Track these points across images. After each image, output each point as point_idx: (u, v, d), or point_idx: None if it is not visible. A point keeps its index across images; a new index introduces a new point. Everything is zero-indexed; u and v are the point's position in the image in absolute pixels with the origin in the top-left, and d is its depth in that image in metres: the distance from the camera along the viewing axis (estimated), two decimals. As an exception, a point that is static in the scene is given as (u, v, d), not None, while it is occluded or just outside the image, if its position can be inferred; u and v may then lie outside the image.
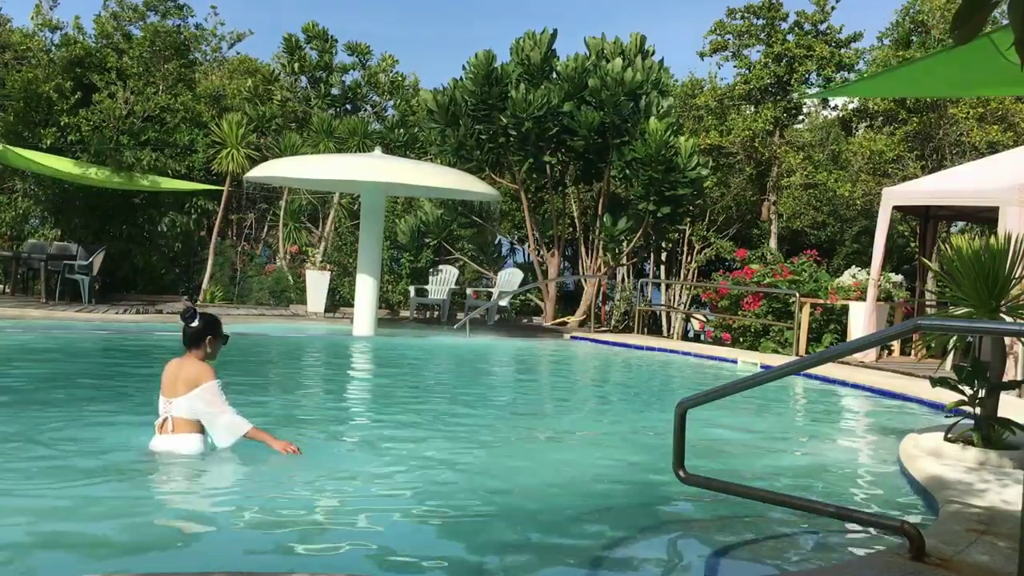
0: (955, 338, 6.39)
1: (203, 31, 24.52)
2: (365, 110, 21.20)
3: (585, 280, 17.27)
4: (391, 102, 21.11)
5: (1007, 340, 7.24)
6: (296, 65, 20.32)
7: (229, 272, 17.57)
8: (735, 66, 22.56)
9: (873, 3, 35.45)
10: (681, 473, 4.03)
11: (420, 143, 19.53)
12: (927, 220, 13.34)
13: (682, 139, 15.51)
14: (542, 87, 15.70)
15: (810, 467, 6.15)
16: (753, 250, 19.75)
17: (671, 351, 12.95)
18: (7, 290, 15.82)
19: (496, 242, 19.47)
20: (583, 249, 17.41)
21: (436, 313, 16.60)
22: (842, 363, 10.89)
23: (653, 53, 16.68)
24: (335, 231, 18.33)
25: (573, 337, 14.48)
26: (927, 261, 11.22)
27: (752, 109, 22.22)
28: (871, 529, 4.24)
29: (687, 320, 21.61)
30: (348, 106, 20.99)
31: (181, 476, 5.00)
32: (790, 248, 21.26)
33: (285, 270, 17.33)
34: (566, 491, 5.15)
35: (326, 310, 15.51)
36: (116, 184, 15.57)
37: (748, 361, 11.54)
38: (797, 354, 12.47)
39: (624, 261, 17.99)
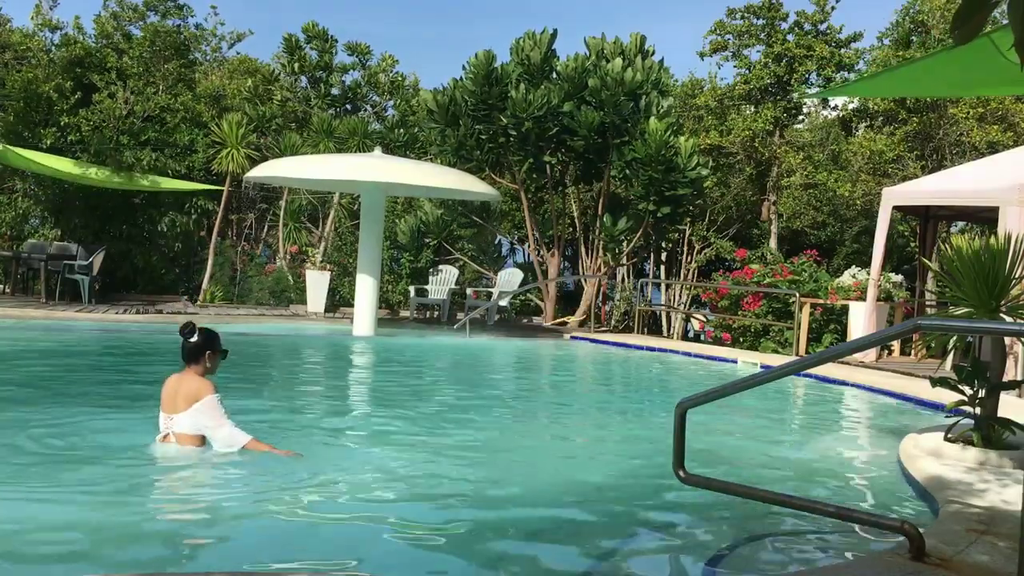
0: (955, 338, 6.39)
1: (203, 31, 24.53)
2: (365, 110, 21.20)
3: (585, 280, 17.27)
4: (391, 102, 21.11)
5: (1007, 340, 7.24)
6: (296, 65, 20.32)
7: (229, 272, 17.57)
8: (735, 66, 22.58)
9: (873, 3, 35.47)
10: (681, 473, 4.03)
11: (420, 143, 19.53)
12: (927, 220, 13.34)
13: (682, 139, 15.51)
14: (542, 87, 15.70)
15: (810, 467, 6.15)
16: (753, 250, 19.75)
17: (671, 351, 12.95)
18: (7, 290, 15.82)
19: (496, 242, 19.47)
20: (583, 249, 17.42)
21: (436, 313, 16.60)
22: (842, 363, 10.89)
23: (653, 53, 16.68)
24: (335, 231, 18.34)
25: (573, 337, 14.48)
26: (927, 261, 11.22)
27: (752, 109, 22.22)
28: (871, 529, 4.24)
29: (687, 320, 21.61)
30: (348, 106, 20.99)
31: (181, 476, 5.00)
32: (790, 248, 21.26)
33: (285, 270, 17.33)
34: (566, 491, 5.15)
35: (326, 310, 15.51)
36: (116, 184, 15.57)
37: (748, 361, 11.54)
38: (797, 354, 12.47)
39: (624, 261, 17.99)
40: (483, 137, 16.29)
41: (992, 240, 5.93)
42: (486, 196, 13.84)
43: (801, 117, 23.25)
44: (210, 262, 16.76)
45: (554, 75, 16.35)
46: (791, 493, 4.67)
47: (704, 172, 15.68)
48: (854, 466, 6.47)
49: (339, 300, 16.40)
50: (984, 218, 13.88)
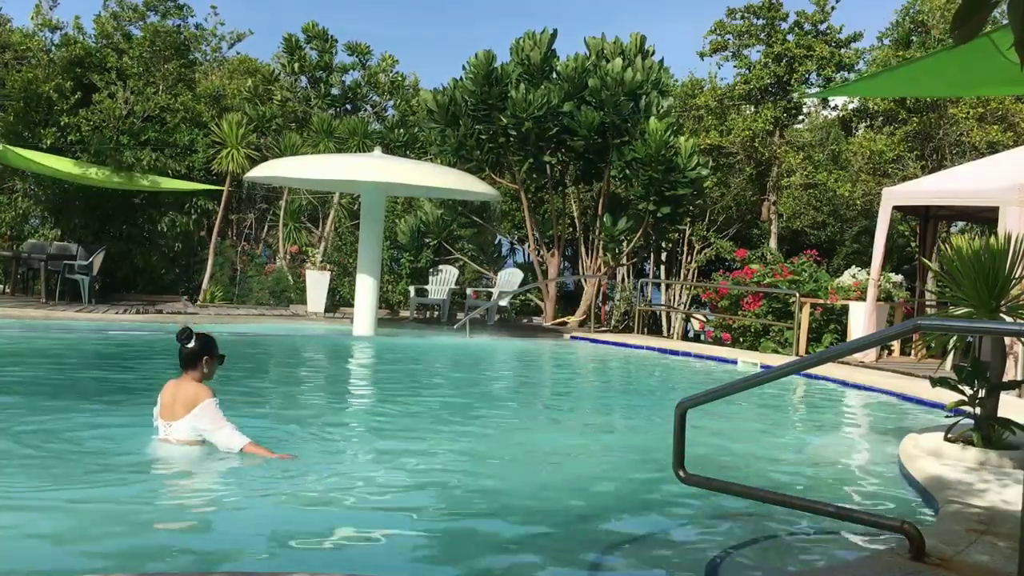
0: (955, 338, 6.38)
1: (203, 31, 24.52)
2: (365, 110, 21.20)
3: (585, 280, 17.27)
4: (391, 102, 21.11)
5: (1007, 340, 7.24)
6: (296, 65, 20.32)
7: (229, 272, 17.57)
8: (735, 66, 22.57)
9: (873, 3, 35.48)
10: (681, 473, 4.03)
11: (420, 143, 19.53)
12: (927, 220, 13.34)
13: (682, 139, 15.51)
14: (542, 87, 15.70)
15: (810, 467, 6.15)
16: (753, 250, 19.75)
17: (671, 351, 12.95)
18: (7, 290, 15.82)
19: (496, 242, 19.46)
20: (583, 249, 17.42)
21: (436, 313, 16.60)
22: (842, 363, 10.89)
23: (653, 53, 16.68)
24: (335, 231, 18.33)
25: (573, 337, 14.48)
26: (927, 261, 11.22)
27: (752, 109, 22.22)
28: (871, 529, 4.24)
29: (687, 320, 21.61)
30: (348, 106, 20.98)
31: (181, 476, 5.00)
32: (790, 248, 21.26)
33: (285, 270, 17.33)
34: (565, 491, 5.15)
35: (326, 310, 15.51)
36: (116, 184, 15.56)
37: (748, 361, 11.54)
38: (797, 354, 12.47)
39: (624, 261, 17.99)
40: (483, 137, 16.29)
41: (992, 240, 5.93)
42: (486, 196, 13.84)
43: (801, 117, 23.26)
44: (210, 262, 16.76)
45: (554, 75, 16.35)
46: (791, 493, 4.67)
47: (704, 172, 15.68)
48: (854, 466, 6.47)
49: (339, 300, 16.40)
50: (984, 218, 13.88)
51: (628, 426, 7.66)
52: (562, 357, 12.82)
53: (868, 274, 12.13)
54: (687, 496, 4.77)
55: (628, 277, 19.81)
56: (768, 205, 22.06)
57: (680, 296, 22.85)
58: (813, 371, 9.96)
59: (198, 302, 16.29)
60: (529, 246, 17.77)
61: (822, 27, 21.77)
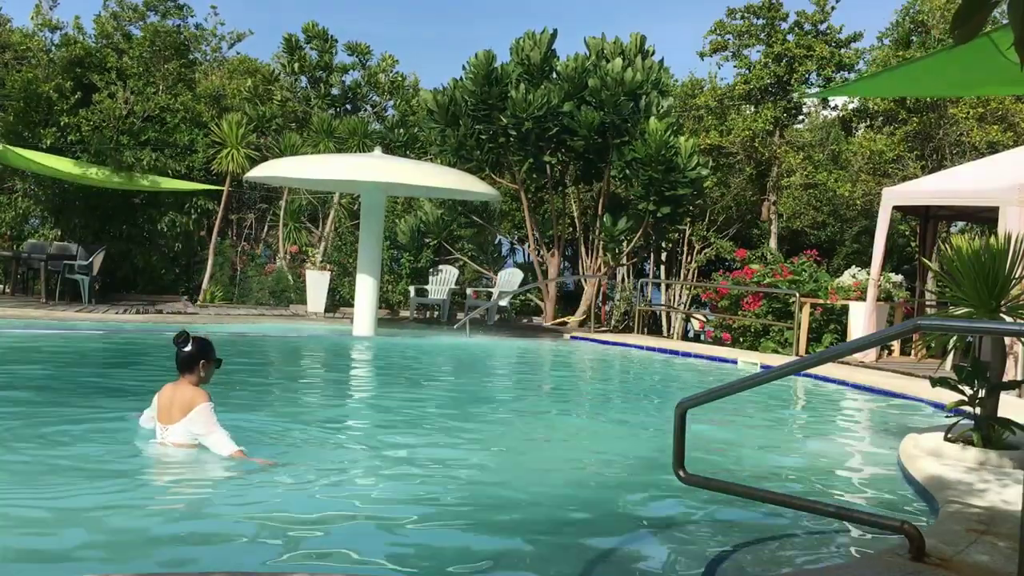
0: (955, 338, 6.39)
1: (203, 31, 24.53)
2: (365, 110, 21.20)
3: (585, 280, 17.27)
4: (391, 102, 21.11)
5: (1007, 340, 7.24)
6: (296, 65, 20.32)
7: (229, 272, 17.57)
8: (735, 66, 22.58)
9: (873, 3, 35.47)
10: (681, 473, 4.03)
11: (420, 143, 19.53)
12: (927, 220, 13.34)
13: (682, 139, 15.51)
14: (542, 87, 15.70)
15: (810, 467, 6.15)
16: (753, 250, 19.75)
17: (671, 351, 12.95)
18: (7, 290, 15.82)
19: (496, 242, 19.47)
20: (583, 249, 17.41)
21: (436, 313, 16.60)
22: (842, 363, 10.89)
23: (653, 53, 16.68)
24: (335, 231, 18.33)
25: (573, 337, 14.48)
26: (927, 261, 11.22)
27: (752, 109, 22.23)
28: (871, 529, 4.24)
29: (687, 320, 21.61)
30: (348, 106, 20.98)
31: (181, 477, 5.00)
32: (790, 248, 21.26)
33: (285, 270, 17.33)
34: (565, 491, 5.15)
35: (326, 310, 15.51)
36: (116, 184, 15.56)
37: (748, 361, 11.54)
38: (797, 354, 12.47)
39: (624, 261, 17.99)
40: (483, 137, 16.29)
41: (992, 240, 5.94)
42: (486, 196, 13.84)
43: (801, 117, 23.26)
44: (210, 262, 16.76)
45: (554, 75, 16.35)
46: (791, 493, 4.67)
47: (704, 172, 15.68)
48: (854, 466, 6.47)
49: (339, 300, 16.40)
50: (984, 218, 13.88)
51: (628, 426, 7.66)
52: (562, 357, 12.82)
53: (868, 274, 12.14)
54: (687, 496, 4.77)
55: (628, 277, 19.81)
56: (768, 205, 22.06)
57: (680, 296, 22.85)
58: (813, 371, 9.96)
59: (198, 302, 16.30)
60: (529, 246, 17.76)
61: (822, 27, 21.78)
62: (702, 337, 18.50)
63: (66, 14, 27.54)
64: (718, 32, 22.63)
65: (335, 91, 20.66)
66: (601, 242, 16.76)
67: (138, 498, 4.58)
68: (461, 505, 4.81)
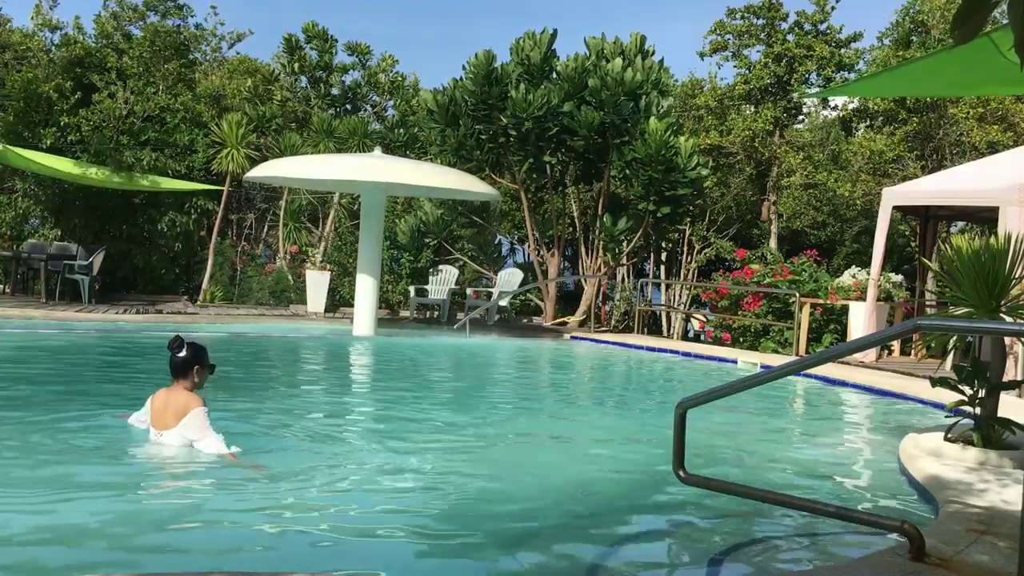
0: (955, 338, 6.39)
1: (203, 31, 24.52)
2: (365, 110, 21.20)
3: (585, 280, 17.27)
4: (391, 102, 21.11)
5: (1007, 340, 7.24)
6: (296, 65, 20.32)
7: (229, 272, 17.56)
8: (735, 66, 22.57)
9: (873, 3, 35.48)
10: (681, 473, 4.03)
11: (420, 143, 19.53)
12: (927, 220, 13.34)
13: (682, 139, 15.51)
14: (542, 87, 15.70)
15: (810, 467, 6.15)
16: (753, 250, 19.75)
17: (671, 351, 12.95)
18: (7, 290, 15.82)
19: (496, 242, 19.46)
20: (583, 249, 17.41)
21: (436, 313, 16.60)
22: (842, 363, 10.89)
23: (653, 53, 16.68)
24: (335, 231, 18.33)
25: (573, 337, 14.48)
26: (927, 261, 11.22)
27: (752, 109, 22.22)
28: (871, 529, 4.24)
29: (687, 320, 21.61)
30: (348, 106, 20.98)
31: (181, 478, 5.00)
32: (790, 248, 21.26)
33: (285, 270, 17.32)
34: (565, 491, 5.16)
35: (326, 310, 15.51)
36: (116, 184, 15.56)
37: (748, 361, 11.54)
38: (797, 354, 12.47)
39: (624, 261, 17.99)
40: (483, 137, 16.29)
41: (992, 240, 5.94)
42: (486, 196, 13.84)
43: (801, 117, 23.26)
44: (210, 262, 16.76)
45: (554, 75, 16.35)
46: (791, 493, 4.67)
47: (704, 172, 15.68)
48: (854, 466, 6.47)
49: (339, 300, 16.40)
50: (984, 218, 13.88)
51: (628, 426, 7.66)
52: (562, 357, 12.82)
53: (868, 274, 12.14)
54: (687, 496, 4.77)
55: (628, 277, 19.81)
56: (768, 205, 22.06)
57: (680, 296, 22.85)
58: (813, 371, 9.96)
59: (198, 302, 16.29)
60: (529, 246, 17.76)
61: (822, 27, 21.78)
62: (702, 337, 18.50)
63: (66, 14, 27.57)
64: (718, 32, 22.63)
65: (335, 91, 20.66)
66: (601, 242, 16.76)
67: (136, 498, 4.58)
68: (460, 505, 4.81)
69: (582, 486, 5.32)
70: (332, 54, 20.57)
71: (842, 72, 21.67)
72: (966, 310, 6.00)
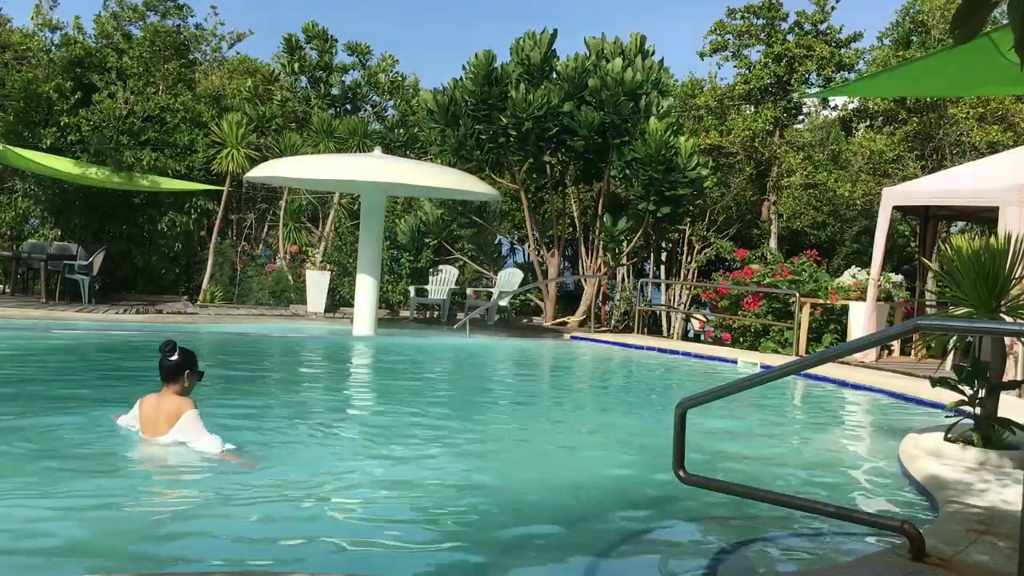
0: (955, 338, 6.39)
1: (203, 31, 24.50)
2: (365, 110, 21.20)
3: (585, 280, 17.27)
4: (391, 102, 21.10)
5: (1007, 340, 7.24)
6: (296, 65, 20.31)
7: (229, 272, 17.56)
8: (735, 66, 22.57)
9: (873, 3, 35.45)
10: (681, 473, 4.03)
11: (420, 143, 19.53)
12: (927, 220, 13.34)
13: (682, 139, 15.51)
14: (542, 87, 15.70)
15: (810, 467, 6.15)
16: (753, 250, 19.75)
17: (671, 351, 12.95)
18: (7, 290, 15.82)
19: (496, 242, 19.46)
20: (583, 249, 17.41)
21: (436, 313, 16.59)
22: (842, 363, 10.89)
23: (653, 53, 16.68)
24: (335, 231, 18.33)
25: (573, 337, 14.48)
26: (927, 261, 11.22)
27: (752, 109, 22.22)
28: (871, 529, 4.24)
29: (687, 320, 21.61)
30: (348, 106, 20.98)
31: (180, 477, 5.00)
32: (790, 248, 21.26)
33: (285, 270, 17.32)
34: (565, 491, 5.15)
35: (326, 310, 15.51)
36: (116, 184, 15.56)
37: (748, 361, 11.54)
38: (797, 354, 12.47)
39: (624, 261, 17.99)
40: (483, 137, 16.29)
41: (992, 240, 5.94)
42: (486, 196, 13.84)
43: (801, 117, 23.25)
44: (210, 262, 16.76)
45: (554, 75, 16.34)
46: (791, 493, 4.67)
47: (704, 172, 15.68)
48: (854, 466, 6.47)
49: (339, 300, 16.40)
50: (984, 218, 13.88)
51: (628, 426, 7.66)
52: (562, 357, 12.82)
53: (868, 274, 12.13)
54: (687, 496, 4.77)
55: (628, 277, 19.81)
56: (768, 205, 22.06)
57: (680, 296, 22.85)
58: (813, 371, 9.96)
59: (198, 302, 16.29)
60: (529, 246, 17.76)
61: (822, 27, 21.77)
62: (702, 337, 18.50)
63: (66, 14, 27.56)
64: (718, 32, 22.63)
65: (335, 91, 20.66)
66: (601, 242, 16.76)
67: (134, 499, 4.58)
68: (459, 505, 4.81)
69: (582, 486, 5.32)
70: (332, 54, 20.57)
71: (842, 72, 21.67)
72: (966, 310, 6.00)
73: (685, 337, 20.40)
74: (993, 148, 17.48)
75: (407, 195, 17.75)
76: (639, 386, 11.08)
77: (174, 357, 5.17)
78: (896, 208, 12.41)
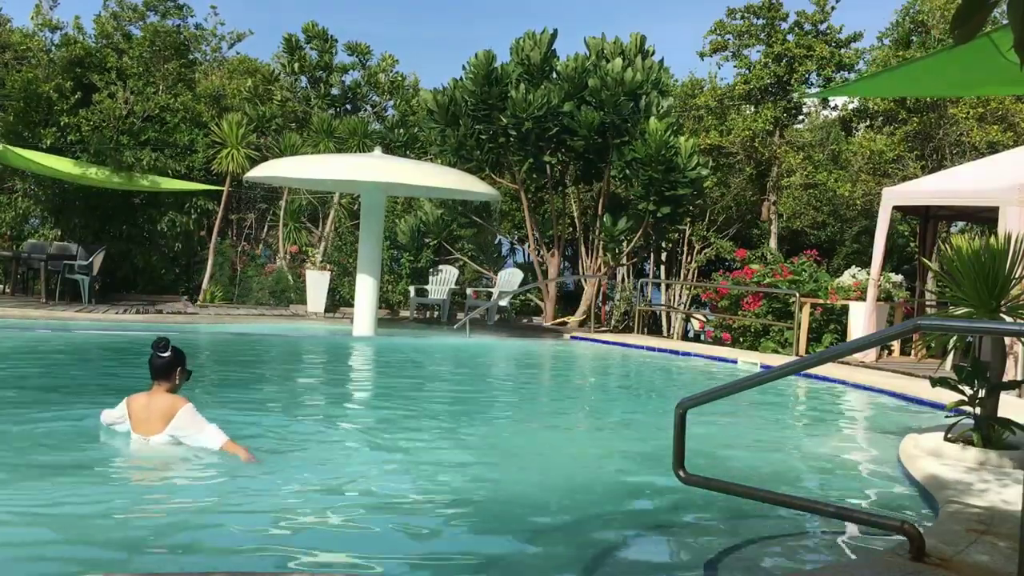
0: (955, 338, 6.39)
1: (203, 31, 24.51)
2: (365, 110, 21.20)
3: (585, 280, 17.27)
4: (391, 102, 21.10)
5: (1007, 340, 7.24)
6: (296, 65, 20.31)
7: (229, 272, 17.56)
8: (735, 66, 22.57)
9: (873, 3, 35.46)
10: (681, 473, 4.03)
11: (420, 143, 19.53)
12: (927, 220, 13.34)
13: (682, 139, 15.51)
14: (542, 87, 15.70)
15: (810, 467, 6.15)
16: (753, 250, 19.75)
17: (671, 351, 12.95)
18: (7, 290, 15.82)
19: (496, 242, 19.47)
20: (583, 249, 17.41)
21: (436, 313, 16.59)
22: (842, 363, 10.89)
23: (653, 53, 16.68)
24: (335, 231, 18.33)
25: (573, 337, 14.48)
26: (927, 261, 11.22)
27: (752, 109, 22.22)
28: (871, 529, 4.24)
29: (687, 320, 21.61)
30: (348, 106, 20.98)
31: (178, 477, 5.00)
32: (790, 248, 21.25)
33: (285, 270, 17.32)
34: (565, 491, 5.16)
35: (326, 310, 15.51)
36: (116, 184, 15.56)
37: (748, 361, 11.53)
38: (797, 354, 12.47)
39: (624, 261, 17.99)
40: (483, 137, 16.28)
41: (992, 240, 5.94)
42: (486, 196, 13.84)
43: (801, 117, 23.25)
44: (210, 262, 16.76)
45: (554, 75, 16.34)
46: (791, 493, 4.67)
47: (704, 172, 15.68)
48: (854, 466, 6.47)
49: (339, 300, 16.40)
50: (984, 218, 13.87)
51: (628, 426, 7.66)
52: (562, 357, 12.82)
53: (868, 274, 12.13)
54: (687, 496, 4.77)
55: (628, 277, 19.81)
56: (768, 205, 22.06)
57: (680, 296, 22.84)
58: (813, 371, 9.95)
59: (198, 302, 16.29)
60: (529, 246, 17.76)
61: (822, 27, 21.77)
62: (702, 337, 18.49)
63: (66, 14, 27.58)
64: (718, 32, 22.63)
65: (335, 91, 20.66)
66: (601, 242, 16.76)
67: (133, 499, 4.58)
68: (460, 505, 4.81)
69: (581, 486, 5.31)
70: (332, 54, 20.57)
71: (842, 72, 21.67)
72: (966, 310, 6.00)
73: (685, 337, 20.40)
74: (993, 148, 17.48)
75: (407, 195, 17.75)
76: (639, 386, 11.08)
77: (166, 354, 5.15)
78: (896, 208, 12.40)
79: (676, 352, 12.82)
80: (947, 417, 6.28)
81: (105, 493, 4.56)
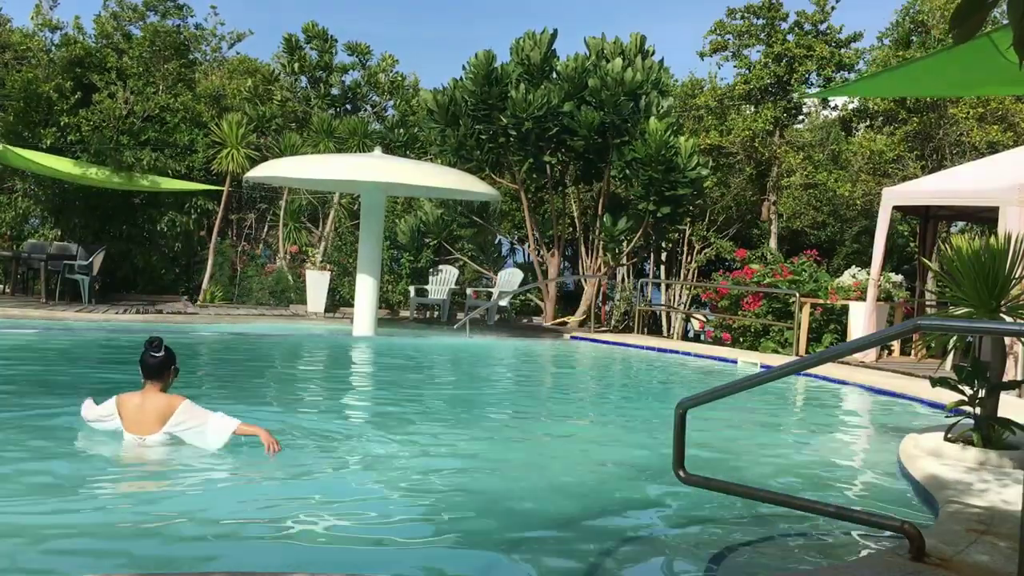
0: (955, 338, 6.38)
1: (203, 31, 24.51)
2: (365, 110, 21.20)
3: (585, 280, 17.27)
4: (391, 102, 21.10)
5: (1007, 340, 7.24)
6: (296, 65, 20.31)
7: (229, 272, 17.56)
8: (735, 66, 22.57)
9: (873, 3, 35.46)
10: (681, 473, 4.03)
11: (420, 143, 19.53)
12: (927, 220, 13.34)
13: (682, 139, 15.51)
14: (542, 87, 15.70)
15: (810, 467, 6.15)
16: (753, 250, 19.75)
17: (671, 351, 12.95)
18: (7, 290, 15.82)
19: (496, 242, 19.46)
20: (583, 249, 17.41)
21: (436, 313, 16.59)
22: (842, 363, 10.89)
23: (653, 53, 16.68)
24: (335, 231, 18.33)
25: (573, 337, 14.48)
26: (927, 261, 11.22)
27: (752, 109, 22.22)
28: (871, 529, 4.24)
29: (687, 320, 21.61)
30: (348, 106, 20.98)
31: (180, 477, 4.99)
32: (790, 248, 21.25)
33: (285, 270, 17.32)
34: (565, 491, 5.15)
35: (326, 310, 15.51)
36: (116, 184, 15.56)
37: (748, 361, 11.54)
38: (797, 354, 12.47)
39: (624, 261, 17.99)
40: (483, 137, 16.28)
41: (992, 240, 5.93)
42: (486, 196, 13.84)
43: (801, 117, 23.25)
44: (210, 262, 16.76)
45: (554, 75, 16.34)
46: (791, 493, 4.67)
47: (704, 172, 15.68)
48: (854, 466, 6.47)
49: (339, 300, 16.40)
50: (984, 218, 13.87)
51: (628, 426, 7.66)
52: (562, 357, 12.82)
53: (868, 274, 12.13)
54: (687, 496, 4.77)
55: (628, 277, 19.81)
56: (768, 205, 22.06)
57: (680, 296, 22.84)
58: (813, 371, 9.96)
59: (198, 302, 16.29)
60: (529, 246, 17.76)
61: (822, 27, 21.77)
62: (702, 337, 18.49)
63: (66, 14, 27.59)
64: (718, 32, 22.63)
65: (335, 91, 20.66)
66: (601, 242, 16.76)
67: (133, 499, 4.58)
68: (459, 505, 4.81)
69: (581, 486, 5.31)
70: (332, 54, 20.57)
71: (842, 72, 21.67)
72: (966, 310, 6.00)
73: (685, 337, 20.40)
74: (993, 148, 17.48)
75: (407, 195, 17.75)
76: (639, 386, 11.08)
77: (160, 353, 5.14)
78: (896, 208, 12.40)
79: (676, 352, 12.82)
80: (947, 417, 6.27)
81: (103, 494, 4.55)
